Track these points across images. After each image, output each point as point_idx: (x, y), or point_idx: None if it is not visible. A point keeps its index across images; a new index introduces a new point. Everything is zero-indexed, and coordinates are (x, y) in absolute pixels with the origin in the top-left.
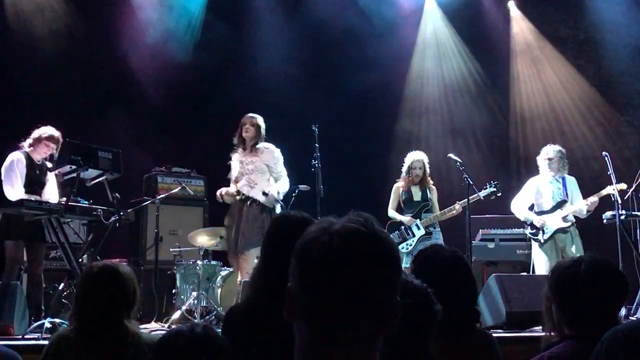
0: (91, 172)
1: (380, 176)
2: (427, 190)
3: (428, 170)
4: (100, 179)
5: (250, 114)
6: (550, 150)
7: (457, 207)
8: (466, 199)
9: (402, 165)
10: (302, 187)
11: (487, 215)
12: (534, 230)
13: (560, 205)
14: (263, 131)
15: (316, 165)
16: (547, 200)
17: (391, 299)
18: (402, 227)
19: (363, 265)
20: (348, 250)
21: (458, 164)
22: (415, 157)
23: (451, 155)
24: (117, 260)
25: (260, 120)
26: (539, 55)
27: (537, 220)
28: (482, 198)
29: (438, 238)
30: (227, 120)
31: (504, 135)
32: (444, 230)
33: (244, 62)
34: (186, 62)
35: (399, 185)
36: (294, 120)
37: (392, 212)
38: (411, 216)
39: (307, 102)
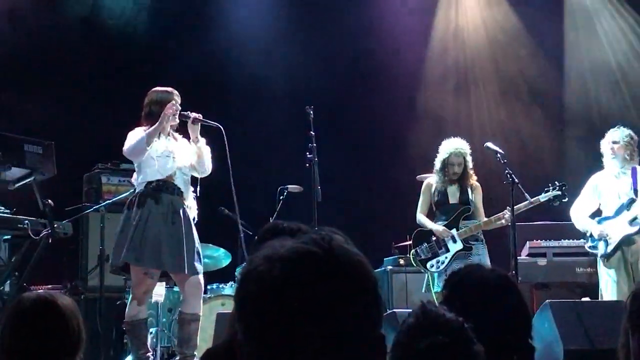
0: (15, 172)
1: (400, 171)
2: (470, 189)
3: (470, 164)
4: (27, 180)
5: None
6: (616, 134)
7: (508, 214)
8: (521, 204)
9: (435, 156)
10: (293, 187)
11: (536, 222)
12: (594, 243)
13: (628, 205)
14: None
15: (311, 159)
16: (611, 201)
17: (364, 335)
18: (433, 239)
19: (313, 296)
20: (291, 280)
21: (498, 156)
22: (453, 148)
23: (489, 145)
24: (50, 287)
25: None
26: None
27: (596, 230)
28: (539, 203)
29: (481, 255)
30: (186, 102)
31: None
32: None
33: (205, 22)
34: (129, 27)
35: (430, 182)
36: (280, 100)
37: (422, 217)
38: (446, 224)
39: (297, 75)
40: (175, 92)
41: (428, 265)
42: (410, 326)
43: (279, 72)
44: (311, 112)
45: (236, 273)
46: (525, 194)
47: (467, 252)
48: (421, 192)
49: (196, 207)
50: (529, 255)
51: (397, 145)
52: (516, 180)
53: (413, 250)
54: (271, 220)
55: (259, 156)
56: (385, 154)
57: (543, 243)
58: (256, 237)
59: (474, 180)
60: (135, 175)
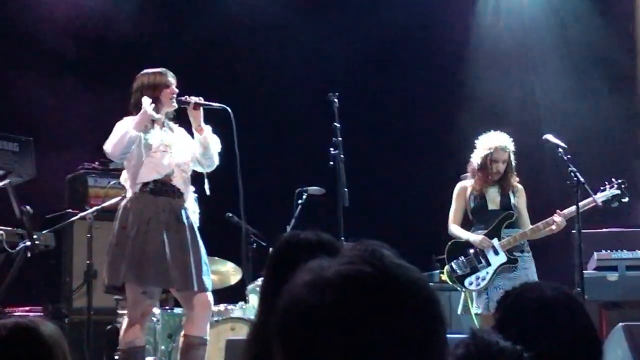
0: None
1: (441, 169)
2: (512, 193)
3: (514, 163)
4: (1, 183)
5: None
6: None
7: (559, 219)
8: (574, 206)
9: (471, 153)
10: (314, 189)
11: (605, 230)
12: None
13: None
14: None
15: (336, 155)
16: None
17: None
18: (471, 251)
19: (377, 329)
20: (346, 310)
21: (560, 150)
22: (497, 142)
23: (549, 137)
24: (28, 310)
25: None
26: None
27: None
28: (600, 205)
29: (528, 268)
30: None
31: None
32: (534, 253)
33: None
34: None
35: (465, 185)
36: (298, 86)
37: (454, 227)
38: (485, 234)
39: (317, 56)
40: (170, 72)
41: (466, 282)
42: (460, 358)
43: (295, 51)
44: (335, 99)
45: (247, 292)
46: (590, 193)
47: (512, 266)
48: (454, 197)
49: (197, 210)
50: (596, 269)
51: (438, 138)
52: (582, 179)
53: (448, 266)
54: (289, 230)
55: (273, 152)
56: (424, 149)
57: (613, 254)
58: (271, 251)
59: (516, 181)
60: (124, 175)
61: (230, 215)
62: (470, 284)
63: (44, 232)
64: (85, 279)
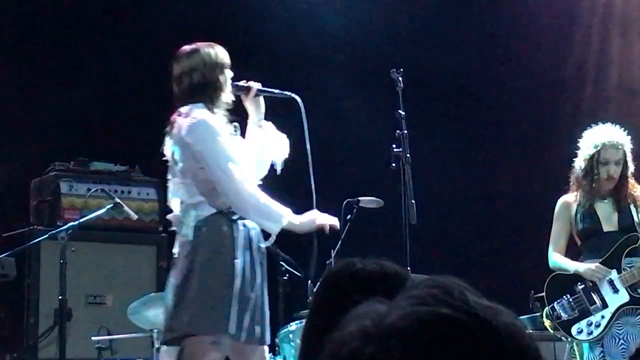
0: None
1: (543, 179)
2: (633, 207)
3: (632, 166)
4: None
5: None
6: None
7: None
8: None
9: (575, 155)
10: (367, 200)
11: None
12: None
13: None
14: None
15: (401, 155)
16: None
17: None
18: (580, 288)
19: None
20: None
21: None
22: (606, 137)
23: None
24: None
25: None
26: None
27: None
28: None
29: None
30: None
31: None
32: None
33: None
34: None
35: (568, 201)
36: (348, 62)
37: (557, 256)
38: (600, 262)
39: (374, 27)
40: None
41: (574, 330)
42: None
43: (343, 21)
44: (400, 77)
45: (277, 339)
46: None
47: (637, 308)
48: (555, 216)
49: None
50: None
51: (537, 135)
52: None
53: (548, 307)
54: (333, 255)
55: (314, 150)
56: (518, 153)
57: None
58: (317, 287)
59: (638, 191)
60: (185, 191)
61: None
62: (580, 332)
63: (1, 256)
64: (56, 320)
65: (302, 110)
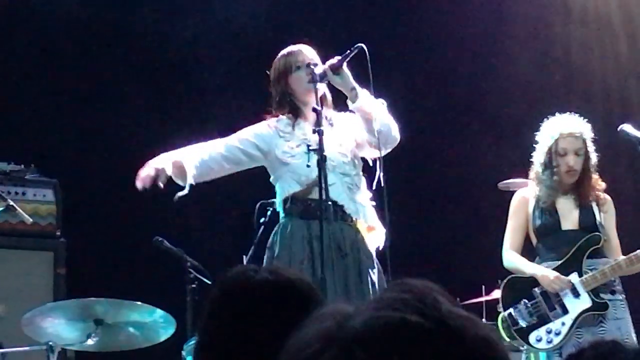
0: None
1: (491, 174)
2: (595, 205)
3: (594, 158)
4: None
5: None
6: None
7: None
8: None
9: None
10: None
11: None
12: None
13: None
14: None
15: (317, 152)
16: None
17: None
18: (538, 292)
19: None
20: None
21: None
22: (564, 126)
23: (626, 129)
24: None
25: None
26: None
27: None
28: None
29: (621, 318)
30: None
31: None
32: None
33: None
34: None
35: (526, 196)
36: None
37: (512, 256)
38: (558, 266)
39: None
40: (303, 47)
41: (532, 338)
42: None
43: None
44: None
45: (183, 352)
46: None
47: (600, 315)
48: (510, 212)
49: (382, 228)
50: None
51: (494, 124)
52: None
53: (504, 312)
54: (246, 262)
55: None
56: (470, 139)
57: None
58: (207, 300)
59: (601, 188)
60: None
61: (160, 239)
62: (539, 340)
63: None
64: None
65: (367, 57)
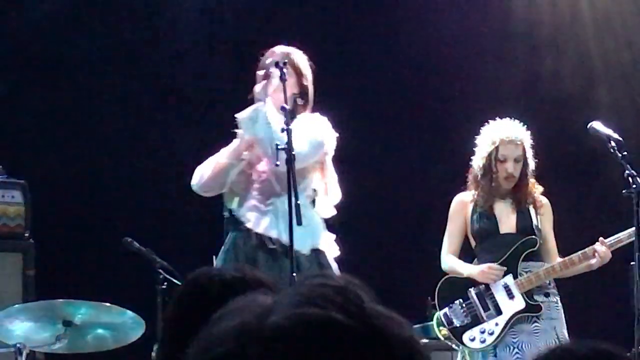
0: None
1: (450, 176)
2: (532, 208)
3: (532, 164)
4: None
5: (282, 47)
6: None
7: (602, 250)
8: (629, 230)
9: (472, 154)
10: None
11: None
12: None
13: None
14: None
15: (286, 151)
16: None
17: None
18: (473, 293)
19: None
20: None
21: (612, 145)
22: (504, 132)
23: (596, 126)
24: None
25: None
26: None
27: None
28: None
29: (555, 319)
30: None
31: None
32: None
33: None
34: None
35: (465, 200)
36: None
37: (449, 259)
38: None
39: None
40: (275, 49)
41: (465, 337)
42: None
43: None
44: (284, 69)
45: (153, 354)
46: None
47: (533, 315)
48: (450, 216)
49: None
50: None
51: (435, 128)
52: None
53: (440, 312)
54: (215, 264)
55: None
56: (412, 142)
57: None
58: (171, 300)
59: (538, 192)
60: None
61: (129, 240)
62: (472, 339)
63: None
64: None
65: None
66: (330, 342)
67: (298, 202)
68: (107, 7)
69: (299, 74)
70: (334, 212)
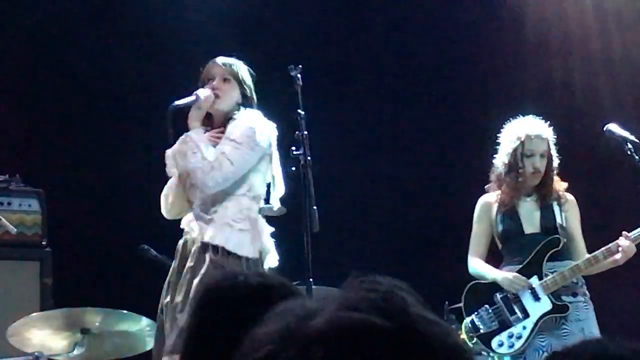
0: None
1: (454, 180)
2: (557, 205)
3: (557, 161)
4: None
5: (221, 58)
6: None
7: (626, 244)
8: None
9: (494, 153)
10: (266, 208)
11: None
12: None
13: None
14: (249, 91)
15: (301, 157)
16: None
17: None
18: (499, 297)
19: None
20: None
21: (629, 147)
22: (529, 129)
23: (613, 128)
24: None
25: (242, 68)
26: None
27: None
28: None
29: (585, 319)
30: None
31: None
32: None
33: None
34: None
35: (489, 201)
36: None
37: (476, 262)
38: (521, 269)
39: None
40: (217, 60)
41: (494, 343)
42: None
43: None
44: (299, 74)
45: None
46: None
47: (561, 317)
48: (475, 218)
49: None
50: None
51: (455, 132)
52: None
53: (467, 319)
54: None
55: None
56: (431, 153)
57: None
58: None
59: (562, 188)
60: None
61: (146, 247)
62: (501, 345)
63: None
64: None
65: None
66: (368, 346)
67: (314, 207)
68: (121, 11)
69: (240, 84)
70: (279, 204)
